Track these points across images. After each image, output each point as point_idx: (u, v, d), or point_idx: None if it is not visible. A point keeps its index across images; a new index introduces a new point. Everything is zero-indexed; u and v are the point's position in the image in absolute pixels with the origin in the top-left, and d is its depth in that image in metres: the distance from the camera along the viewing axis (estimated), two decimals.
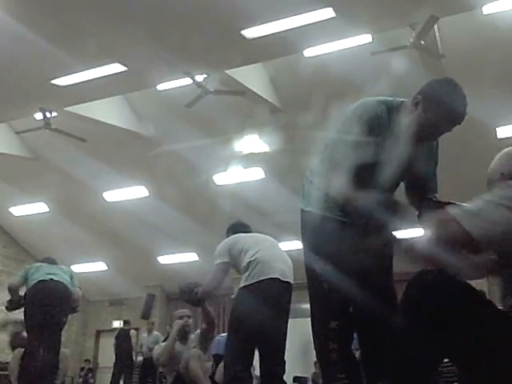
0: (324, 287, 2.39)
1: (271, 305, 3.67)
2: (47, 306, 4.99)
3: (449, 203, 2.40)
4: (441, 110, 2.32)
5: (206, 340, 5.04)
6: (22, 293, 5.33)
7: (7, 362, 7.86)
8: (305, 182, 2.61)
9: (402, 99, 2.48)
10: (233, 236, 4.07)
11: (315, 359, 9.64)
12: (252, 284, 3.71)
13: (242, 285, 3.78)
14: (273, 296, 3.71)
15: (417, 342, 1.73)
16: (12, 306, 5.38)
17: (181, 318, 5.10)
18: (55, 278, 5.13)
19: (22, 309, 5.25)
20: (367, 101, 2.47)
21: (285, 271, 3.81)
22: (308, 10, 6.79)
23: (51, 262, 5.50)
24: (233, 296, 4.68)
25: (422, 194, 2.53)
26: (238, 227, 4.24)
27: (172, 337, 5.09)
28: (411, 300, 1.80)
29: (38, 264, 5.50)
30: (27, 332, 5.15)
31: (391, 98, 2.49)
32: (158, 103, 10.08)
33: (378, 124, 2.37)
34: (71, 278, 5.36)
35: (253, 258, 3.78)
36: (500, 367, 1.66)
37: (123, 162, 11.30)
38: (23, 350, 5.79)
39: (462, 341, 1.70)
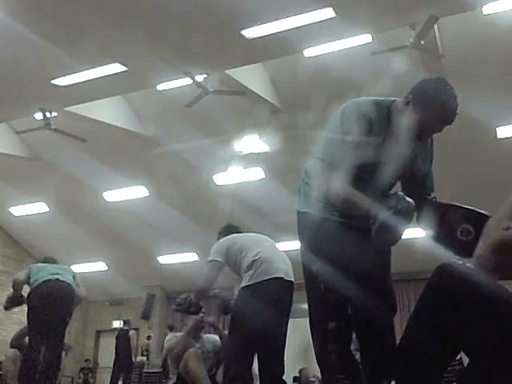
0: (321, 288, 2.38)
1: (274, 304, 3.66)
2: (54, 306, 4.89)
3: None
4: (431, 110, 2.31)
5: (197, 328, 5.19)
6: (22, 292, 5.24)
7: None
8: (300, 183, 2.60)
9: (394, 98, 2.46)
10: (230, 236, 4.05)
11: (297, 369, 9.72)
12: (258, 283, 3.69)
13: (244, 284, 3.75)
14: (276, 295, 3.71)
15: (441, 336, 1.70)
16: (12, 303, 5.23)
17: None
18: (61, 278, 5.03)
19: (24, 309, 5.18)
20: (356, 100, 2.46)
21: (287, 271, 3.81)
22: (308, 10, 6.79)
23: (52, 261, 5.39)
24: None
25: (419, 193, 2.52)
26: (230, 229, 4.23)
27: (187, 330, 5.17)
28: (442, 293, 1.73)
29: (40, 264, 5.35)
30: (30, 332, 5.02)
31: (382, 98, 2.48)
32: (158, 103, 10.08)
33: (368, 123, 2.36)
34: (74, 277, 5.26)
35: (257, 257, 3.76)
36: None
37: (123, 162, 11.29)
38: (18, 350, 5.71)
39: (488, 335, 1.68)
